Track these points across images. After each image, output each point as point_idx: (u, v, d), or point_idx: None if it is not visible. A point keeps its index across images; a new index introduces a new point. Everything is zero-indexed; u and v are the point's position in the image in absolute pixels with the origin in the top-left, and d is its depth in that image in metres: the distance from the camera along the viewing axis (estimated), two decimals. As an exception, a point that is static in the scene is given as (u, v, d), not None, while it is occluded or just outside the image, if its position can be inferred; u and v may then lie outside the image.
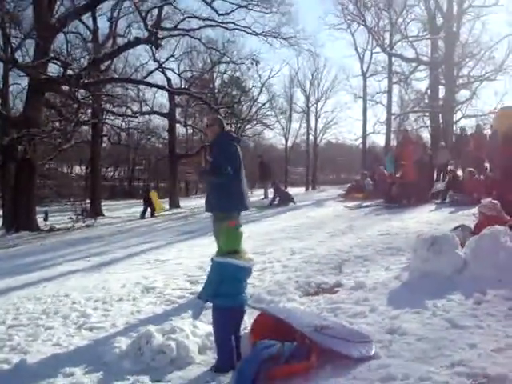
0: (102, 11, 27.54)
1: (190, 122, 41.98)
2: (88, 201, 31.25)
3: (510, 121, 11.55)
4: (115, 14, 28.63)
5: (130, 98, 30.30)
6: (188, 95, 29.86)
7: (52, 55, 21.47)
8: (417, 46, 32.76)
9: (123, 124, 33.07)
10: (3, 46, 22.33)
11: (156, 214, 22.52)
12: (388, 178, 14.93)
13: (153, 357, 4.26)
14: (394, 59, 33.30)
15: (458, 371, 3.34)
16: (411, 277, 5.56)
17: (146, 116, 32.15)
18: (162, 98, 43.30)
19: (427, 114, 32.73)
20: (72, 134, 21.49)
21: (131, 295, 6.57)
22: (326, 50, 72.64)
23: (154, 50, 26.47)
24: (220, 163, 6.02)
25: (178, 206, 30.35)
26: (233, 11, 25.48)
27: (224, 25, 25.90)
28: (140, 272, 8.17)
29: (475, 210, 9.39)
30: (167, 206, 27.95)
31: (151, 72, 29.41)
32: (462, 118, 34.55)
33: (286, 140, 47.41)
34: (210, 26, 26.72)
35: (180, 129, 40.36)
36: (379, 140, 53.44)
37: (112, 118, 32.18)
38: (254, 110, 40.63)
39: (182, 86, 33.62)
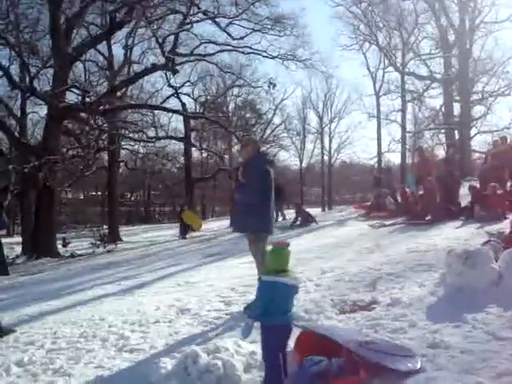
0: (117, 39, 28.06)
1: (204, 146, 42.35)
2: (106, 226, 31.50)
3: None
4: (130, 42, 29.13)
5: (145, 124, 30.63)
6: (204, 119, 30.13)
7: (70, 83, 21.87)
8: (429, 64, 32.96)
9: (140, 149, 33.30)
10: (21, 75, 22.82)
11: (194, 233, 22.79)
12: (410, 196, 14.95)
13: (199, 376, 4.30)
14: (406, 77, 33.49)
15: (506, 381, 3.37)
16: (447, 291, 5.58)
17: (163, 141, 32.39)
18: (176, 123, 43.78)
19: (442, 131, 32.75)
20: (93, 161, 21.77)
21: (167, 317, 6.62)
22: (339, 70, 72.90)
23: (168, 75, 26.94)
24: (253, 184, 6.17)
25: (195, 230, 30.47)
26: (247, 35, 25.88)
27: (240, 49, 26.26)
28: (172, 294, 8.23)
29: (502, 224, 9.45)
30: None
31: (168, 97, 29.85)
32: (477, 133, 34.53)
33: (301, 161, 47.53)
34: (226, 50, 27.11)
35: (195, 152, 40.75)
36: (394, 159, 53.39)
37: (129, 143, 32.47)
38: (268, 131, 40.86)
39: (197, 110, 34.02)
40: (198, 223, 24.02)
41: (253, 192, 6.19)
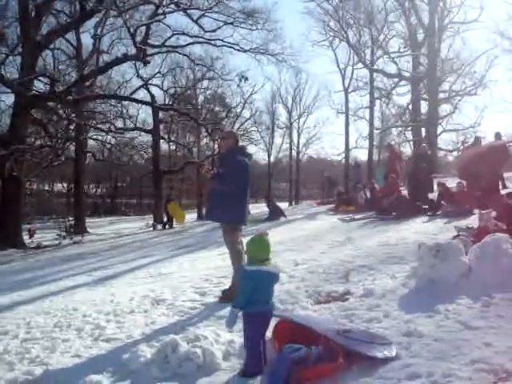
0: (85, 28, 27.69)
1: (173, 138, 42.15)
2: (71, 218, 31.16)
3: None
4: (99, 31, 28.74)
5: (114, 114, 30.35)
6: (174, 111, 30.00)
7: (39, 71, 21.54)
8: (398, 62, 33.33)
9: (109, 140, 33.00)
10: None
11: (176, 225, 22.72)
12: (379, 191, 15.19)
13: (180, 364, 4.37)
14: (375, 75, 33.82)
15: (479, 368, 3.49)
16: (418, 283, 5.71)
17: (131, 133, 32.15)
18: (145, 115, 43.45)
19: (409, 128, 33.23)
20: (62, 151, 21.50)
21: (142, 307, 6.64)
22: (308, 65, 73.27)
23: (138, 66, 26.75)
24: (231, 175, 6.26)
25: (162, 222, 30.36)
26: (219, 28, 25.85)
27: (212, 42, 26.22)
28: (145, 285, 8.25)
29: (469, 220, 9.71)
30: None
31: (138, 88, 29.66)
32: (442, 131, 35.20)
33: (269, 155, 47.72)
34: (199, 42, 27.03)
35: (163, 145, 40.55)
36: (362, 155, 53.95)
37: (98, 134, 32.15)
38: (237, 125, 40.86)
39: (167, 102, 33.84)
40: (182, 216, 23.95)
41: (229, 183, 6.27)
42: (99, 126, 26.83)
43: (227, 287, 6.56)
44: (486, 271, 5.52)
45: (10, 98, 26.81)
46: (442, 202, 12.35)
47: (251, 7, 26.14)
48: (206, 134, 36.99)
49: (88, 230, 27.96)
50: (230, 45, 26.24)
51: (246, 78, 24.94)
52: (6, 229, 20.14)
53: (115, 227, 29.96)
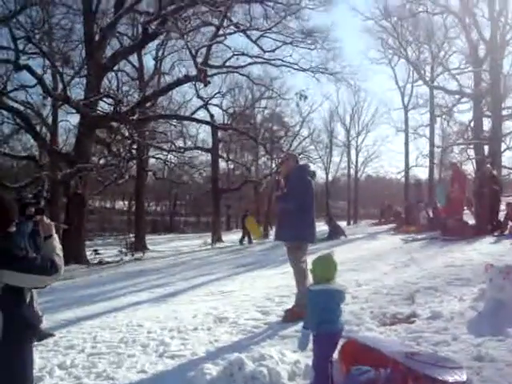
0: (147, 49, 28.44)
1: (231, 157, 42.55)
2: (132, 235, 31.78)
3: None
4: (160, 53, 29.56)
5: (174, 134, 30.93)
6: (233, 130, 30.32)
7: (103, 92, 22.19)
8: (459, 78, 32.65)
9: (170, 159, 33.64)
10: (53, 84, 23.22)
11: (254, 241, 22.92)
12: (443, 211, 14.85)
13: (245, 383, 4.36)
14: (436, 92, 33.27)
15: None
16: (487, 306, 5.53)
17: (191, 152, 32.69)
18: (204, 134, 44.04)
19: (471, 146, 32.40)
20: (126, 170, 22.04)
21: (205, 325, 6.67)
22: (367, 83, 72.80)
23: (198, 86, 27.18)
24: (295, 193, 6.27)
25: (220, 240, 30.60)
26: (278, 48, 26.04)
27: (271, 61, 26.43)
28: (207, 303, 8.30)
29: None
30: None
31: (198, 109, 30.17)
32: (506, 149, 34.10)
33: (327, 174, 47.46)
34: (258, 62, 27.32)
35: (222, 163, 40.97)
36: (422, 173, 52.95)
37: (160, 153, 32.79)
38: (295, 144, 40.89)
39: (225, 122, 34.26)
40: (258, 231, 24.04)
41: (294, 201, 6.28)
42: (160, 145, 27.37)
43: (290, 307, 6.52)
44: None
45: (75, 118, 27.78)
46: (510, 222, 11.97)
47: (310, 27, 26.26)
48: (264, 152, 37.22)
49: (148, 247, 28.43)
50: (289, 64, 26.37)
51: (306, 97, 24.88)
52: (70, 245, 20.69)
53: (174, 245, 30.34)
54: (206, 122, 28.70)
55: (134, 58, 28.70)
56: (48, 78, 22.90)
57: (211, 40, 23.30)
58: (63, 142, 31.57)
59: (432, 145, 34.02)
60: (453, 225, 12.90)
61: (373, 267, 9.80)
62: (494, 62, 27.01)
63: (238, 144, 40.68)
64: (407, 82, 38.43)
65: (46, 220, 3.48)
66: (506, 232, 11.64)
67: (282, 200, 6.55)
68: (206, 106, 30.62)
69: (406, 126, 37.81)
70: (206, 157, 39.06)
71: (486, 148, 28.36)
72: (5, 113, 23.72)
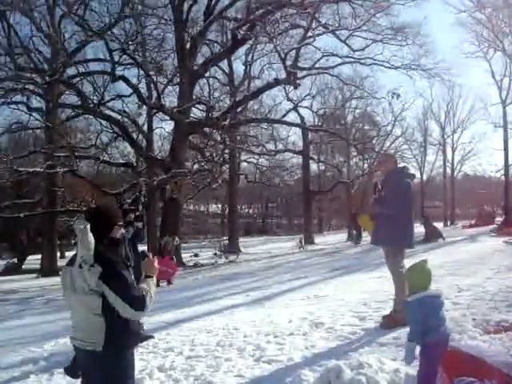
0: (236, 55, 28.82)
1: (322, 159, 42.34)
2: (225, 237, 32.33)
3: None
4: (250, 58, 29.84)
5: (265, 138, 31.12)
6: (324, 131, 30.16)
7: (195, 99, 22.73)
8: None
9: (261, 162, 33.97)
10: (148, 93, 24.03)
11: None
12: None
13: (344, 391, 4.28)
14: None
15: None
16: None
17: (282, 154, 32.88)
18: (294, 137, 44.15)
19: None
20: (219, 174, 22.46)
21: (301, 330, 6.61)
22: (462, 78, 70.06)
23: (288, 89, 27.25)
24: (393, 197, 6.10)
25: (312, 243, 30.51)
26: (368, 46, 25.59)
27: (362, 60, 26.03)
28: (302, 307, 8.24)
29: None
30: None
31: (288, 112, 30.28)
32: None
33: (422, 173, 46.18)
34: (348, 62, 27.00)
35: (312, 165, 40.83)
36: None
37: (252, 157, 33.18)
38: (387, 143, 40.10)
39: (316, 123, 34.14)
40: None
41: (392, 205, 6.12)
42: (252, 148, 27.66)
43: (387, 312, 6.35)
44: None
45: (170, 125, 28.67)
46: None
47: (400, 23, 25.53)
48: (355, 153, 36.76)
49: (241, 249, 28.81)
50: (379, 62, 25.83)
51: (399, 95, 24.22)
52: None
53: (266, 247, 30.57)
54: (297, 125, 28.81)
55: (224, 63, 29.18)
56: (143, 87, 23.79)
57: (300, 42, 23.25)
58: (158, 149, 32.65)
59: (533, 141, 32.28)
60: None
61: (474, 271, 9.38)
62: None
63: (328, 145, 40.38)
64: (504, 76, 36.59)
65: (153, 260, 3.51)
66: None
67: (379, 204, 6.38)
68: (296, 108, 30.67)
69: (505, 122, 36.03)
70: (297, 159, 39.13)
71: None
72: (103, 122, 24.83)
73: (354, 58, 26.02)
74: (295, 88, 23.63)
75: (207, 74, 25.85)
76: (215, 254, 24.25)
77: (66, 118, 26.61)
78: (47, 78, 19.79)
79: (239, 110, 24.98)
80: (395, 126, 40.29)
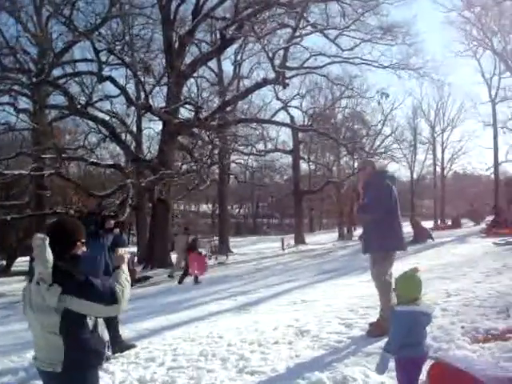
0: (226, 55, 28.70)
1: (312, 158, 42.29)
2: (216, 237, 32.19)
3: None
4: (239, 57, 29.74)
5: (255, 138, 30.98)
6: (314, 131, 30.08)
7: (183, 99, 22.55)
8: (552, 69, 30.92)
9: (251, 163, 33.90)
10: (136, 93, 23.86)
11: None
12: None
13: (327, 407, 4.14)
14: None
15: None
16: None
17: (272, 154, 32.81)
18: (284, 136, 44.06)
19: None
20: (208, 175, 22.32)
21: (286, 338, 6.46)
22: (451, 77, 70.11)
23: (277, 89, 27.14)
24: (374, 203, 5.98)
25: (303, 242, 30.44)
26: (357, 46, 25.50)
27: (350, 60, 25.92)
28: (289, 313, 8.11)
29: None
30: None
31: (277, 111, 30.21)
32: None
33: (412, 172, 46.20)
34: (337, 62, 26.86)
35: (303, 165, 40.79)
36: (513, 169, 50.35)
37: (238, 158, 33.10)
38: (377, 143, 40.04)
39: (305, 123, 34.06)
40: None
41: (375, 210, 6.00)
42: (241, 149, 27.55)
43: (374, 320, 6.22)
44: None
45: (158, 126, 28.48)
46: None
47: (389, 22, 25.41)
48: (345, 152, 36.72)
49: (231, 249, 28.69)
50: (368, 62, 25.74)
51: (387, 95, 24.18)
52: (156, 249, 21.19)
53: (257, 247, 30.44)
54: (286, 125, 28.73)
55: (213, 63, 29.04)
56: (131, 87, 23.63)
57: (288, 42, 23.09)
58: (147, 149, 32.45)
59: (524, 139, 32.33)
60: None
61: (463, 275, 9.24)
62: None
63: (318, 145, 40.31)
64: (494, 74, 36.72)
65: (120, 251, 3.39)
66: None
67: (362, 211, 6.26)
68: (285, 108, 30.57)
69: (494, 120, 36.10)
70: (287, 159, 39.02)
71: None
72: (91, 123, 24.63)
73: (342, 57, 25.94)
74: (284, 87, 23.51)
75: (195, 74, 25.67)
76: (205, 255, 24.03)
77: (54, 118, 26.40)
78: (34, 78, 19.54)
79: (228, 109, 24.82)
80: (385, 125, 40.33)
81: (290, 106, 31.39)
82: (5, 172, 20.40)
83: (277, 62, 22.15)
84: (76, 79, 22.38)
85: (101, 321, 3.19)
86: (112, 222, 7.27)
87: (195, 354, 6.34)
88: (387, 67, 25.48)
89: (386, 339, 5.44)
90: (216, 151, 25.39)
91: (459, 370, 3.88)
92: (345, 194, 37.41)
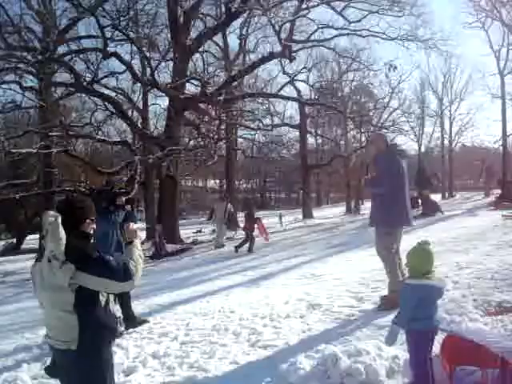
0: (231, 29, 28.35)
1: (319, 132, 42.02)
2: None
3: None
4: (244, 31, 29.37)
5: (262, 112, 30.75)
6: (321, 105, 29.84)
7: (189, 75, 22.37)
8: (562, 39, 30.42)
9: (258, 138, 33.73)
10: (141, 69, 23.68)
11: None
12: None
13: (341, 380, 4.15)
14: (534, 54, 31.17)
15: None
16: None
17: (279, 129, 32.59)
18: (291, 111, 43.79)
19: None
20: (215, 151, 22.21)
21: (297, 312, 6.51)
22: (459, 49, 69.25)
23: (284, 63, 26.84)
24: (383, 177, 5.95)
25: (311, 217, 30.40)
26: (364, 18, 25.06)
27: (358, 32, 25.53)
28: (299, 287, 8.14)
29: None
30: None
31: (284, 85, 29.83)
32: None
33: (420, 145, 45.83)
34: (344, 34, 26.46)
35: (310, 139, 40.58)
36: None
37: (245, 133, 32.97)
38: (384, 116, 39.68)
39: (312, 97, 33.77)
40: None
41: (384, 185, 5.98)
42: (248, 123, 27.38)
43: (385, 293, 6.23)
44: None
45: (164, 102, 28.33)
46: None
47: (397, -8, 24.99)
48: (352, 126, 36.46)
49: (240, 224, 28.69)
50: (376, 34, 25.29)
51: (395, 67, 23.83)
52: (164, 226, 21.19)
53: (265, 221, 30.32)
54: (293, 98, 28.42)
55: (218, 38, 28.70)
56: (136, 63, 23.38)
57: (295, 14, 22.76)
58: (154, 126, 32.32)
59: (532, 110, 31.96)
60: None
61: (474, 248, 9.22)
62: None
63: (325, 119, 40.03)
64: (502, 46, 35.97)
65: (132, 225, 3.39)
66: None
67: (370, 184, 6.23)
68: (292, 82, 30.26)
69: (503, 92, 35.55)
70: (295, 133, 38.79)
71: None
72: (97, 100, 24.50)
73: (349, 29, 25.50)
74: (290, 61, 23.20)
75: (201, 49, 25.40)
76: (214, 230, 24.04)
77: (60, 96, 26.26)
78: (39, 56, 19.39)
79: (235, 84, 24.60)
80: (392, 98, 39.87)
81: (296, 80, 31.02)
82: (12, 150, 20.40)
83: (283, 35, 21.86)
84: (81, 56, 22.20)
85: (112, 297, 3.20)
86: (123, 198, 7.27)
87: (208, 328, 6.40)
88: (395, 39, 25.02)
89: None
90: (223, 126, 25.28)
91: (473, 342, 3.88)
92: (352, 167, 37.27)
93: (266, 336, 5.76)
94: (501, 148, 36.96)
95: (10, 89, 22.95)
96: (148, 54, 21.28)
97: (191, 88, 24.73)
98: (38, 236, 25.47)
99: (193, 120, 23.98)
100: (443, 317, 5.22)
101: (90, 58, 21.98)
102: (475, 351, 3.82)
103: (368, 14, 24.89)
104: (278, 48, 22.40)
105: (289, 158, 47.01)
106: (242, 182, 58.00)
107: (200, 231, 23.44)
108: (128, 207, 7.33)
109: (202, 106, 22.29)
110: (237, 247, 14.91)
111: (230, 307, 7.30)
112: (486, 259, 7.88)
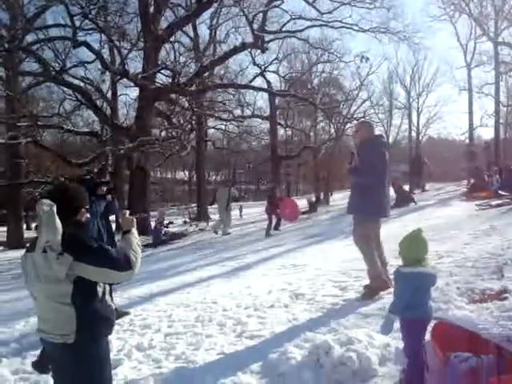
0: (201, 19, 28.17)
1: (289, 124, 42.11)
2: (194, 205, 32.09)
3: None
4: (215, 21, 29.15)
5: (233, 104, 30.64)
6: (292, 96, 29.89)
7: (160, 65, 22.14)
8: (526, 33, 31.00)
9: (230, 129, 33.60)
10: (111, 59, 23.34)
11: None
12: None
13: (333, 369, 4.15)
14: (500, 48, 31.70)
15: None
16: None
17: (249, 120, 32.53)
18: (261, 102, 43.72)
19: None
20: (188, 141, 22.07)
21: (281, 302, 6.49)
22: (427, 41, 69.93)
23: (254, 53, 26.80)
24: (367, 167, 5.98)
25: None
26: (335, 9, 25.15)
27: (330, 24, 25.60)
28: (281, 277, 8.14)
29: None
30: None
31: (256, 76, 29.73)
32: None
33: (388, 137, 46.29)
34: (316, 25, 26.49)
35: (280, 131, 40.58)
36: (486, 134, 50.84)
37: (217, 124, 32.83)
38: (353, 108, 39.97)
39: (283, 88, 33.81)
40: None
41: (368, 174, 6.00)
42: (219, 114, 27.29)
43: (368, 282, 6.27)
44: None
45: (134, 92, 28.02)
46: None
47: (368, -16, 25.13)
48: (322, 117, 36.62)
49: (210, 216, 28.63)
50: (348, 26, 25.44)
51: (367, 59, 24.10)
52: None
53: (235, 213, 30.32)
54: (264, 89, 28.41)
55: (189, 28, 28.48)
56: (106, 52, 23.08)
57: (267, 5, 22.73)
58: (124, 116, 31.94)
59: (498, 103, 32.54)
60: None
61: (451, 237, 9.33)
62: None
63: (295, 110, 40.11)
64: (470, 39, 36.59)
65: (127, 214, 3.31)
66: None
67: (353, 173, 6.24)
68: (263, 73, 30.21)
69: (470, 85, 36.15)
70: (265, 125, 38.81)
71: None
72: (66, 89, 24.12)
73: (322, 20, 25.57)
74: (263, 52, 23.23)
75: (172, 39, 25.16)
76: (185, 221, 23.98)
77: (28, 86, 25.77)
78: (6, 44, 18.94)
79: (206, 75, 24.44)
80: (361, 90, 40.16)
81: (267, 71, 30.98)
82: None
83: (255, 26, 21.80)
84: (49, 45, 21.75)
85: (108, 288, 3.13)
86: (104, 188, 7.15)
87: (191, 319, 6.33)
88: (367, 31, 25.25)
89: (382, 301, 5.56)
90: (194, 117, 25.11)
91: (463, 329, 3.92)
92: (322, 159, 37.47)
93: (251, 326, 5.70)
94: (467, 140, 37.66)
95: (-24, 78, 22.39)
96: (118, 44, 21.00)
97: (162, 78, 24.49)
98: (4, 228, 25.05)
99: (164, 111, 23.76)
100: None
101: (59, 47, 21.57)
102: (468, 338, 3.86)
103: (340, 6, 24.97)
104: (249, 39, 22.41)
105: (259, 149, 47.00)
106: (211, 174, 57.94)
107: (172, 223, 23.28)
108: (108, 197, 7.21)
109: (173, 96, 22.11)
110: (266, 234, 15.04)
111: (211, 298, 7.25)
112: (465, 248, 7.97)
